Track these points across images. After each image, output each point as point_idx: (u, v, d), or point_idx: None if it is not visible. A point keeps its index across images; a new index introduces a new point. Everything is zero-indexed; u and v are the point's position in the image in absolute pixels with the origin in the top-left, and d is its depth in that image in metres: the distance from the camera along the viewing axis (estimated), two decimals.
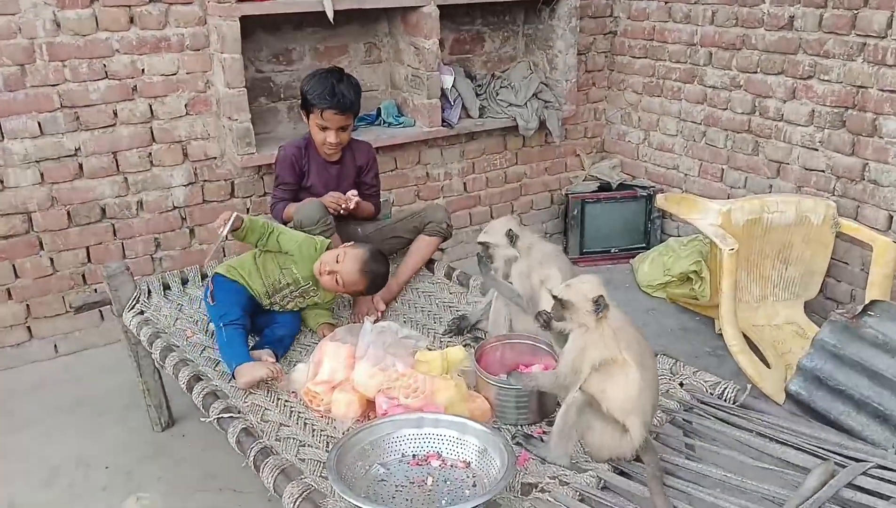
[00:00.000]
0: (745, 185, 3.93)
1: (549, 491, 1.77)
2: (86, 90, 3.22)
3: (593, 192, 4.41)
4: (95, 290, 3.49)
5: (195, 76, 3.45)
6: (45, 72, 3.13)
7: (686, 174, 4.28)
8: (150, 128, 3.42)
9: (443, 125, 3.96)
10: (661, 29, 4.19)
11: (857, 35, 3.23)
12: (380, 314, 2.72)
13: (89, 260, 3.45)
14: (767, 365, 3.09)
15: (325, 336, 2.47)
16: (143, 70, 3.32)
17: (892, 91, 3.16)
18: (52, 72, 3.14)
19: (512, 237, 2.42)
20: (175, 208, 3.58)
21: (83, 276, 3.46)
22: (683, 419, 2.04)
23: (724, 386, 2.11)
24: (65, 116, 3.21)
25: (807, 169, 3.60)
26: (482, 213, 4.49)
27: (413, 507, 1.75)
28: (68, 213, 3.34)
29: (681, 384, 2.17)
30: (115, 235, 3.48)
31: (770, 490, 1.70)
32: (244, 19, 3.29)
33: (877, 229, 3.27)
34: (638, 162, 4.58)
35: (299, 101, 2.97)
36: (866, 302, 2.50)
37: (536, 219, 4.72)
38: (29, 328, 3.41)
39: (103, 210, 3.42)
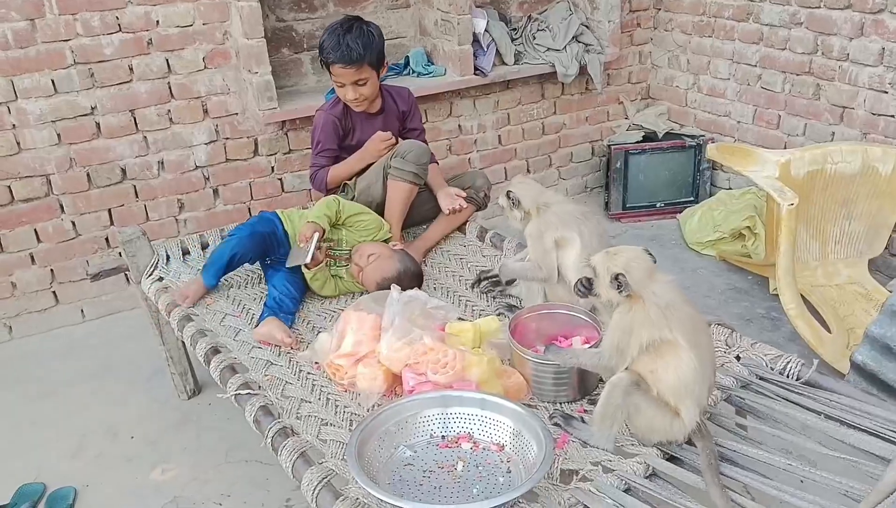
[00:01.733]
0: (804, 132, 3.63)
1: (592, 480, 1.60)
2: (99, 45, 3.07)
3: (637, 142, 4.14)
4: (120, 254, 3.38)
5: (212, 27, 3.26)
6: (56, 26, 2.97)
7: (739, 121, 3.97)
8: (168, 83, 3.26)
9: (475, 73, 3.72)
10: None
11: None
12: None
13: (112, 223, 3.35)
14: (828, 329, 2.85)
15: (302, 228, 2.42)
16: (157, 22, 3.14)
17: None
18: (63, 26, 2.98)
19: (513, 200, 2.21)
20: (197, 167, 3.44)
21: (106, 240, 3.36)
22: (740, 398, 1.84)
23: (787, 360, 1.90)
24: (79, 73, 3.07)
25: (874, 114, 3.28)
26: (518, 167, 4.26)
27: (441, 495, 1.60)
28: (88, 175, 3.23)
29: (737, 358, 1.97)
30: (136, 196, 3.36)
31: (843, 482, 1.51)
32: None
33: None
34: (686, 109, 4.28)
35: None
36: None
37: (576, 173, 4.48)
38: (55, 292, 3.34)
39: (123, 171, 3.30)
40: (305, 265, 2.35)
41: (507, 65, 3.87)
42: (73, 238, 3.29)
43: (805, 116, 3.60)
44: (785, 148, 3.67)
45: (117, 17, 3.07)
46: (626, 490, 1.59)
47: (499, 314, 2.33)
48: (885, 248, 3.24)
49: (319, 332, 2.21)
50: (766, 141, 3.80)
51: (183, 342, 2.72)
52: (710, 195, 4.14)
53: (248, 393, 1.93)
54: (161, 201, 3.42)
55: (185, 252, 2.70)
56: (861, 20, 3.22)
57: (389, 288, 2.20)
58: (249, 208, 3.62)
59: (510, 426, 1.71)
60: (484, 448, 1.73)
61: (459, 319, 2.10)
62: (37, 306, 3.32)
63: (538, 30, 3.94)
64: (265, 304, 2.34)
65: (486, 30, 3.72)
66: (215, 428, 2.72)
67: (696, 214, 3.87)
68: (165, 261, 2.64)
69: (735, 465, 1.64)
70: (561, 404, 1.92)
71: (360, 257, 2.42)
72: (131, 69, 3.16)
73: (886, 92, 3.20)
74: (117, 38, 3.09)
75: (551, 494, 1.58)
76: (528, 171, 4.30)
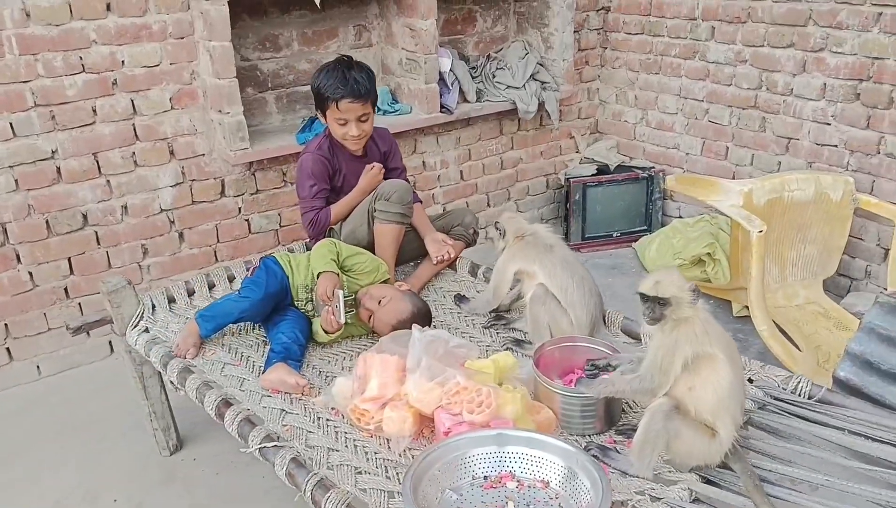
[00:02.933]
0: (751, 162, 3.85)
1: None
2: (61, 86, 2.93)
3: (593, 175, 4.28)
4: (80, 304, 3.22)
5: (180, 67, 3.17)
6: (16, 67, 2.82)
7: (688, 153, 4.18)
8: (133, 125, 3.14)
9: (441, 111, 3.77)
10: (659, 3, 4.06)
11: (874, 4, 3.15)
12: None
13: (72, 272, 3.17)
14: (797, 347, 3.01)
15: (319, 283, 2.37)
16: (123, 62, 3.04)
17: None
18: (23, 67, 2.84)
19: (500, 230, 2.43)
20: (162, 210, 3.32)
21: (66, 290, 3.18)
22: (759, 419, 1.92)
23: (798, 380, 2.00)
24: (39, 116, 2.92)
25: (818, 144, 3.53)
26: (479, 201, 4.33)
27: None
28: (47, 221, 3.05)
29: (749, 381, 2.06)
30: (98, 243, 3.20)
31: (882, 493, 1.59)
32: (231, 3, 3.04)
33: (894, 203, 3.22)
34: (635, 142, 4.47)
35: (313, 102, 2.75)
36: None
37: (532, 205, 4.58)
38: (8, 349, 3.12)
39: (85, 217, 3.14)
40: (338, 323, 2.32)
41: (469, 102, 3.94)
42: (30, 289, 3.10)
43: (752, 147, 3.83)
44: (734, 178, 3.88)
45: (81, 58, 2.95)
46: None
47: (506, 349, 2.35)
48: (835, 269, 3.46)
49: (334, 377, 2.16)
50: (715, 171, 4.01)
51: (166, 396, 2.62)
52: (662, 224, 4.32)
53: (275, 446, 1.85)
54: (124, 247, 3.27)
55: (171, 300, 2.59)
56: (803, 58, 3.48)
57: (401, 330, 2.18)
58: (215, 252, 3.51)
59: (555, 462, 1.72)
60: (529, 487, 1.73)
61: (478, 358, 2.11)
62: None
63: (497, 68, 4.04)
64: (271, 350, 2.26)
65: (450, 69, 3.78)
66: (205, 484, 2.59)
67: (653, 242, 4.02)
68: (151, 310, 2.52)
69: (773, 484, 1.70)
70: (589, 436, 1.95)
71: (370, 301, 2.38)
72: (94, 111, 3.04)
73: (829, 124, 3.45)
74: (80, 78, 2.97)
75: None
76: (489, 205, 4.37)
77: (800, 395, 1.98)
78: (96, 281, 3.21)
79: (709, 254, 3.70)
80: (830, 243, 3.35)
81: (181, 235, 3.40)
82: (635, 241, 4.27)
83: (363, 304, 2.39)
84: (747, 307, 3.39)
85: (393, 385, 1.96)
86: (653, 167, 4.31)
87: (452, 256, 2.78)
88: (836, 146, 3.46)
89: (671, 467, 1.79)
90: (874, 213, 3.25)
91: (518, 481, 1.74)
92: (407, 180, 2.90)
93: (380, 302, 2.36)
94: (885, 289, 3.31)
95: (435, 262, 2.75)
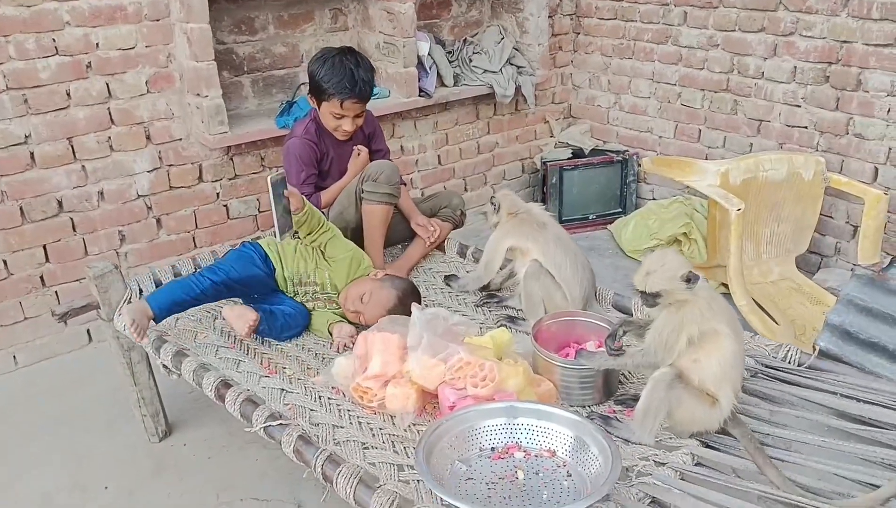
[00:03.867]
0: (723, 144, 3.94)
1: (650, 474, 1.67)
2: (34, 69, 2.85)
3: (569, 159, 4.33)
4: (56, 293, 3.15)
5: (155, 50, 3.11)
6: None
7: (661, 136, 4.26)
8: (108, 109, 3.07)
9: (420, 95, 3.77)
10: None
11: None
12: None
13: (47, 260, 3.09)
14: (775, 321, 3.11)
15: (335, 334, 2.33)
16: (97, 44, 2.96)
17: (877, 45, 3.20)
18: None
19: (495, 205, 2.44)
20: (139, 196, 3.25)
21: (41, 278, 3.10)
22: (753, 386, 1.98)
23: (787, 349, 2.07)
24: (11, 100, 2.83)
25: (789, 126, 3.63)
26: (456, 186, 4.34)
27: (514, 504, 1.61)
28: (21, 208, 2.97)
29: None
30: (74, 230, 3.13)
31: (875, 450, 1.66)
32: None
33: (863, 181, 3.33)
34: (608, 126, 4.53)
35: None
36: (886, 256, 2.52)
37: (508, 189, 4.60)
38: None
39: (60, 203, 3.06)
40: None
41: (447, 86, 3.94)
42: (5, 278, 3.01)
43: (724, 129, 3.92)
44: (706, 159, 3.97)
45: (54, 40, 2.87)
46: (682, 479, 1.67)
47: (500, 326, 2.38)
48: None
49: (332, 359, 2.15)
50: (688, 153, 4.09)
51: (155, 381, 2.59)
52: (637, 206, 4.39)
53: (280, 424, 1.85)
54: (101, 234, 3.20)
55: (159, 284, 2.54)
56: (774, 42, 3.57)
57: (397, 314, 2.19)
58: (194, 238, 3.46)
59: (562, 432, 1.75)
60: (536, 456, 1.75)
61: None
62: None
63: (474, 53, 4.06)
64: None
65: (428, 53, 3.78)
66: (198, 470, 2.56)
67: (629, 224, 4.09)
68: (139, 295, 2.47)
69: (770, 447, 1.76)
70: (589, 406, 1.99)
71: (352, 303, 2.33)
72: (69, 94, 2.96)
73: (800, 106, 3.55)
74: (54, 61, 2.89)
75: (620, 491, 1.63)
76: (466, 190, 4.38)
77: (789, 362, 2.05)
78: (73, 269, 3.15)
79: (685, 234, 3.79)
80: (802, 221, 3.46)
81: (159, 221, 3.34)
82: (611, 223, 4.33)
83: (347, 309, 2.35)
84: (724, 285, 3.49)
85: (395, 363, 1.96)
86: (626, 151, 4.38)
87: (440, 236, 2.79)
88: (806, 127, 3.56)
89: (671, 434, 1.83)
90: (844, 191, 3.35)
91: (525, 451, 1.77)
92: (390, 161, 2.91)
93: (362, 299, 2.32)
94: (855, 264, 3.44)
95: (427, 244, 2.76)
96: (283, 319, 2.34)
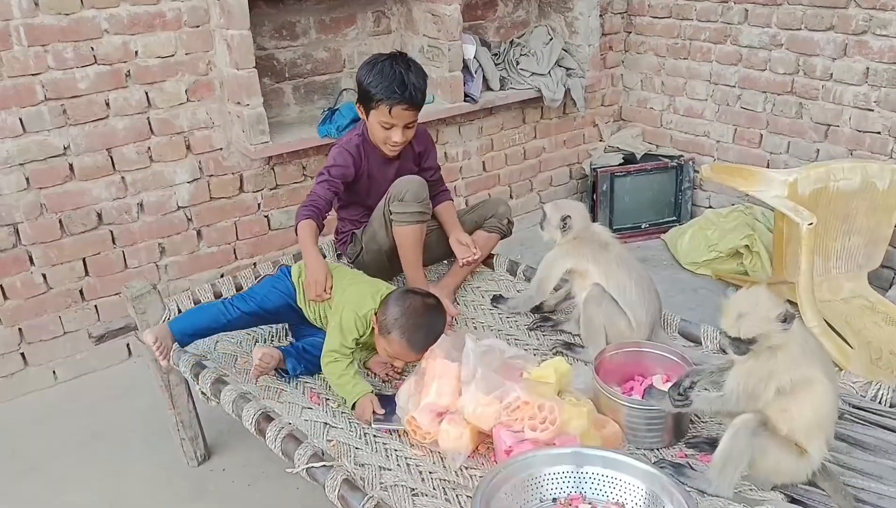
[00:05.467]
0: (787, 150, 3.72)
1: None
2: (73, 78, 2.78)
3: (620, 164, 4.14)
4: (95, 307, 3.08)
5: (195, 57, 3.02)
6: (25, 59, 2.67)
7: (718, 141, 4.04)
8: (148, 118, 2.99)
9: (465, 100, 3.62)
10: None
11: None
12: (453, 321, 2.40)
13: (87, 273, 3.03)
14: (848, 344, 2.89)
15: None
16: (136, 52, 2.88)
17: None
18: (32, 59, 2.68)
19: (567, 225, 2.23)
20: (179, 207, 3.17)
21: (81, 292, 3.04)
22: (840, 431, 1.79)
23: (878, 387, 1.87)
24: (50, 110, 2.77)
25: (860, 131, 3.39)
26: (502, 193, 4.19)
27: None
28: (60, 221, 2.91)
29: None
30: (114, 243, 3.06)
31: None
32: None
33: None
34: (662, 130, 4.33)
35: (356, 94, 2.47)
36: None
37: (555, 196, 4.43)
38: (23, 354, 2.98)
39: (99, 215, 2.99)
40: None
41: (493, 90, 3.79)
42: (44, 292, 2.96)
43: (788, 134, 3.69)
44: (768, 166, 3.75)
45: (93, 49, 2.79)
46: None
47: (556, 353, 2.23)
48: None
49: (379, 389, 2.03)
50: (748, 159, 3.87)
51: (194, 404, 2.49)
52: (692, 215, 4.19)
53: (324, 466, 1.72)
54: (140, 247, 3.12)
55: (197, 302, 2.44)
56: (844, 41, 3.33)
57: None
58: (235, 250, 3.38)
59: (634, 484, 1.59)
60: None
61: None
62: (4, 371, 2.95)
63: (521, 55, 3.89)
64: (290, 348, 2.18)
65: (474, 56, 3.63)
66: (237, 496, 2.47)
67: (685, 234, 3.89)
68: (177, 315, 2.37)
69: (865, 503, 1.58)
70: (658, 449, 1.83)
71: (385, 366, 2.15)
72: (108, 104, 2.88)
73: (872, 110, 3.31)
74: (92, 70, 2.81)
75: None
76: (511, 197, 4.23)
77: (881, 402, 1.86)
78: (112, 282, 3.08)
79: (746, 246, 3.57)
80: (876, 234, 3.22)
81: (199, 233, 3.26)
82: (664, 232, 4.13)
83: (395, 369, 2.17)
84: (789, 302, 3.27)
85: (451, 395, 1.83)
86: (681, 156, 4.17)
87: (478, 257, 2.58)
88: (879, 133, 3.32)
89: (752, 484, 1.66)
90: None
91: (590, 503, 1.62)
92: (441, 180, 2.74)
93: (388, 354, 2.07)
94: None
95: (461, 265, 2.60)
96: (316, 352, 2.16)
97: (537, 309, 2.43)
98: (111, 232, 3.04)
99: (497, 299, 2.53)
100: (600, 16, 4.10)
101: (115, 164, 2.96)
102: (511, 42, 3.96)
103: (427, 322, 2.02)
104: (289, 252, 3.42)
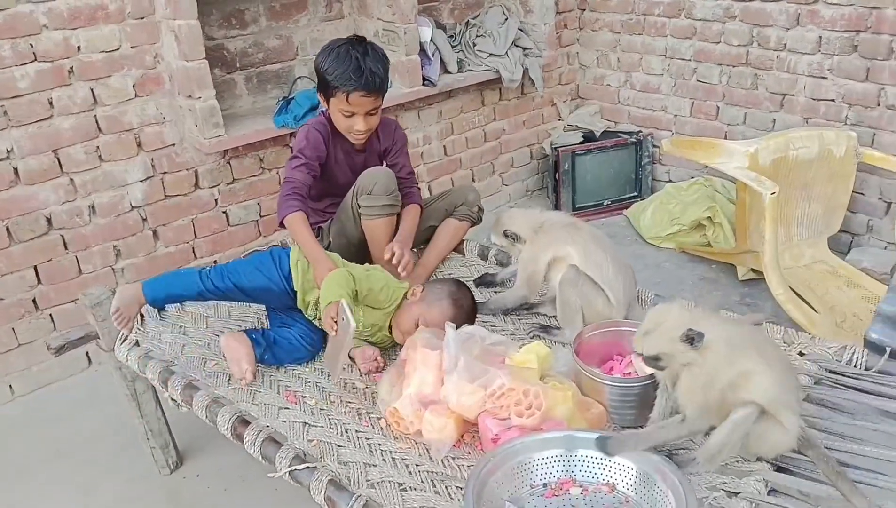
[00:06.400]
0: (744, 121, 3.75)
1: (723, 507, 1.51)
2: (12, 77, 2.63)
3: (581, 143, 4.13)
4: (51, 316, 2.96)
5: (141, 50, 2.90)
6: None
7: (676, 115, 4.06)
8: (95, 116, 2.86)
9: (424, 84, 3.56)
10: None
11: None
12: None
13: (39, 282, 2.89)
14: (813, 309, 2.94)
15: (359, 360, 2.12)
16: (78, 48, 2.75)
17: None
18: None
19: (511, 236, 2.26)
20: (133, 208, 3.05)
21: (34, 301, 2.90)
22: (819, 396, 1.81)
23: (853, 351, 1.90)
24: None
25: (815, 99, 3.44)
26: (464, 177, 4.15)
27: None
28: (7, 229, 2.77)
29: (800, 354, 1.95)
30: (66, 248, 2.93)
31: None
32: None
33: None
34: (619, 106, 4.33)
35: (314, 82, 2.42)
36: None
37: (517, 178, 4.42)
38: None
39: (49, 220, 2.86)
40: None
41: (451, 73, 3.74)
42: None
43: (745, 105, 3.73)
44: (725, 137, 3.79)
45: (31, 45, 2.65)
46: None
47: (533, 337, 2.20)
48: None
49: (356, 386, 1.98)
50: (706, 131, 3.90)
51: (163, 411, 2.41)
52: (653, 189, 4.21)
53: (307, 467, 1.67)
54: (94, 251, 3.00)
55: (161, 308, 2.35)
56: (797, 11, 3.37)
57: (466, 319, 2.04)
58: (193, 248, 3.27)
59: (625, 465, 1.58)
60: (594, 491, 1.59)
61: None
62: None
63: (477, 35, 3.84)
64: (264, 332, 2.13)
65: (431, 39, 3.56)
66: (213, 503, 2.40)
67: (647, 209, 3.91)
68: (140, 321, 2.28)
69: (849, 467, 1.59)
70: (641, 426, 1.82)
71: (408, 335, 2.04)
72: (51, 103, 2.75)
73: (826, 78, 3.37)
74: (33, 68, 2.67)
75: None
76: (473, 179, 4.19)
77: (855, 366, 1.88)
78: (67, 289, 2.96)
79: (709, 218, 3.61)
80: (834, 200, 3.28)
81: (155, 233, 3.14)
82: (626, 208, 4.16)
83: (406, 340, 2.05)
84: (753, 271, 3.33)
85: (433, 384, 1.79)
86: (640, 131, 4.18)
87: (408, 258, 2.36)
88: (833, 100, 3.38)
89: (737, 456, 1.67)
90: (877, 166, 3.18)
91: (581, 486, 1.60)
92: (410, 180, 2.63)
93: (417, 327, 2.06)
94: (889, 242, 3.28)
95: (402, 275, 2.36)
96: (286, 346, 2.14)
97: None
98: (62, 237, 2.91)
99: (483, 279, 2.49)
100: None
101: (62, 165, 2.83)
102: (466, 23, 3.91)
103: (471, 299, 2.16)
104: (250, 247, 3.34)
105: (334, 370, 1.98)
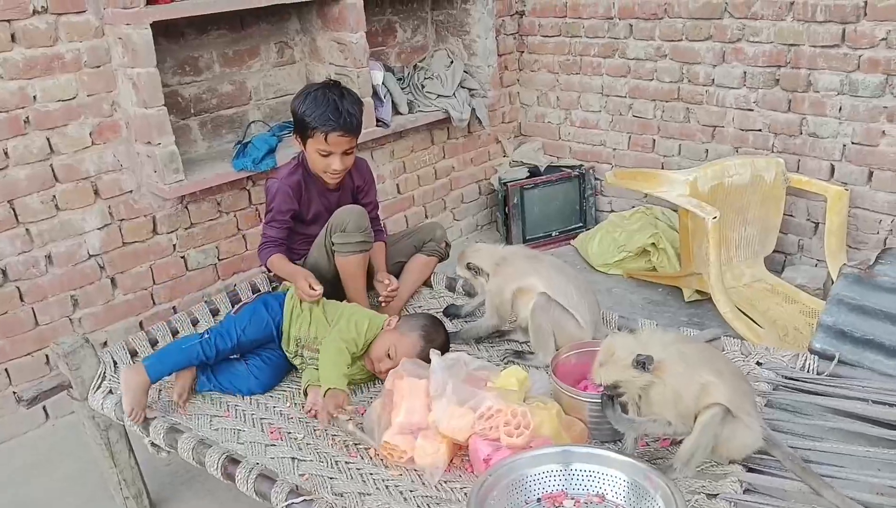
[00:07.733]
0: (679, 152, 3.99)
1: None
2: None
3: (527, 177, 4.30)
4: (7, 371, 2.87)
5: (98, 98, 2.90)
6: None
7: (615, 148, 4.28)
8: (51, 165, 2.84)
9: (378, 125, 3.66)
10: (574, 4, 4.14)
11: None
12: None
13: None
14: (758, 325, 3.13)
15: (309, 399, 2.16)
16: (34, 97, 2.74)
17: (823, 46, 3.30)
18: None
19: (474, 269, 2.39)
20: (91, 256, 3.01)
21: None
22: (779, 401, 1.96)
23: (805, 358, 2.06)
24: None
25: (743, 130, 3.70)
26: (417, 214, 4.24)
27: None
28: None
29: (758, 363, 2.10)
30: (22, 300, 2.86)
31: None
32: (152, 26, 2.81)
33: (821, 179, 3.42)
34: (560, 142, 4.53)
35: (291, 126, 2.53)
36: (880, 250, 2.56)
37: (468, 213, 4.55)
38: None
39: (4, 272, 2.80)
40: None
41: (402, 114, 3.85)
42: None
43: (679, 137, 3.97)
44: (662, 168, 4.01)
45: None
46: None
47: (507, 362, 2.29)
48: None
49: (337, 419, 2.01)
50: (643, 163, 4.12)
51: (136, 460, 2.38)
52: (597, 219, 4.40)
53: (304, 500, 1.70)
54: (51, 301, 2.94)
55: (134, 354, 2.34)
56: (722, 49, 3.64)
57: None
58: (152, 294, 3.24)
59: (615, 476, 1.67)
60: (586, 503, 1.67)
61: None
62: None
63: (426, 78, 3.98)
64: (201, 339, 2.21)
65: (382, 82, 3.68)
66: None
67: (594, 238, 4.08)
68: (113, 368, 2.26)
69: (813, 463, 1.73)
70: (619, 441, 1.92)
71: (381, 363, 2.17)
72: (6, 153, 2.71)
73: (752, 109, 3.63)
74: None
75: None
76: (426, 216, 4.29)
77: (809, 371, 2.04)
78: (23, 342, 2.89)
79: (653, 244, 3.80)
80: (768, 222, 3.52)
81: (113, 280, 3.10)
82: (573, 238, 4.32)
83: (379, 370, 2.20)
84: (698, 292, 3.52)
85: (421, 411, 1.85)
86: (581, 165, 4.38)
87: (396, 287, 2.58)
88: (760, 130, 3.64)
89: (711, 461, 1.78)
90: (804, 190, 3.44)
91: (573, 498, 1.68)
92: (378, 218, 2.78)
93: (389, 355, 2.16)
94: (819, 260, 3.52)
95: (383, 303, 2.58)
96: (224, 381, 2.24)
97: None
98: (18, 289, 2.84)
99: (448, 310, 2.58)
100: (495, 37, 4.26)
101: (17, 216, 2.79)
102: (414, 66, 4.05)
103: (444, 335, 2.27)
104: (209, 292, 3.34)
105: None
